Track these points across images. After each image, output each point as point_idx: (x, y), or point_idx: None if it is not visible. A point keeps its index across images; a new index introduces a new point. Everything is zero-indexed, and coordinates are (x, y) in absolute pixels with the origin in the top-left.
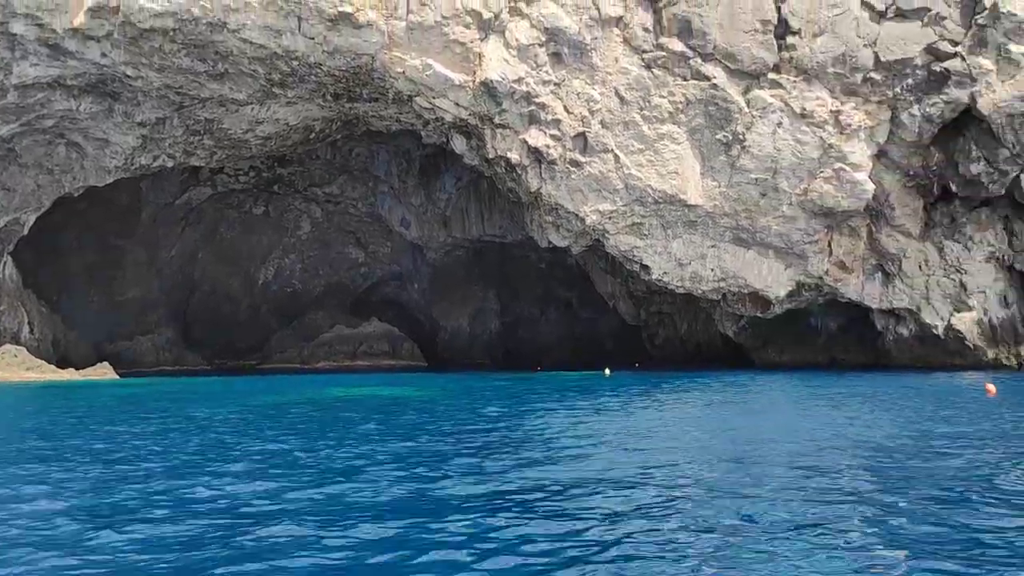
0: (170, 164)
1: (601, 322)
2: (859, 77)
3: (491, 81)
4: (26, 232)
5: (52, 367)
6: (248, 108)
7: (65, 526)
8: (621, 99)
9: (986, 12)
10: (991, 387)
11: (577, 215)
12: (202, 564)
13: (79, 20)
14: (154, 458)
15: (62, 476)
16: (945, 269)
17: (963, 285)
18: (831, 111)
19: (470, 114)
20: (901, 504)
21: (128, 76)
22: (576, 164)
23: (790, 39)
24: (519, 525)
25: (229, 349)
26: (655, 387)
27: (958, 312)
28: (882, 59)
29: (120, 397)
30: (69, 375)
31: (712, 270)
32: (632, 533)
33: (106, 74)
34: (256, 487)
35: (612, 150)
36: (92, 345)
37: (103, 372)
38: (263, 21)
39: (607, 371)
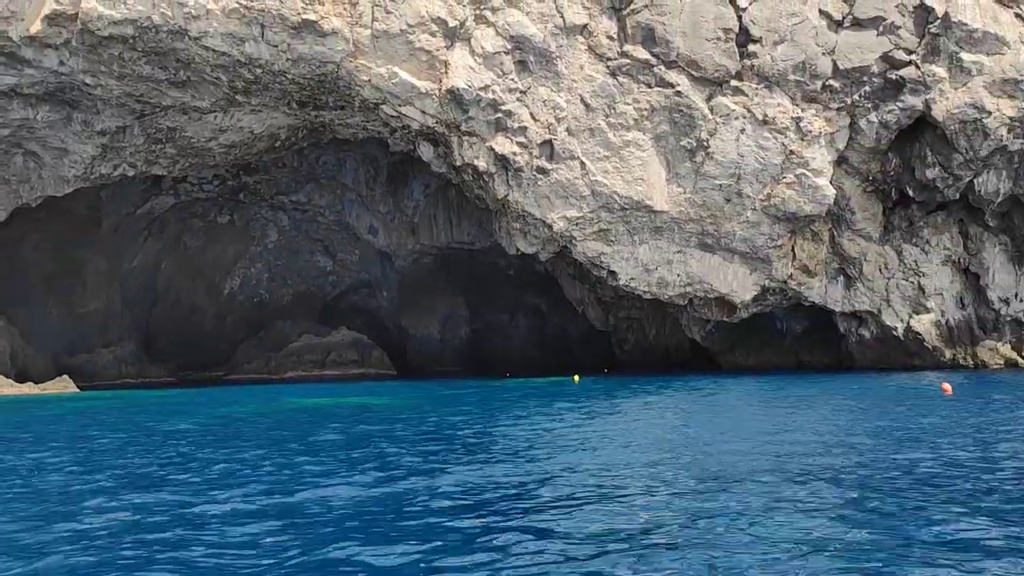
0: (131, 173)
1: (571, 328)
2: (819, 84)
3: (457, 89)
4: None
5: (10, 381)
6: (211, 116)
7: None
8: (587, 106)
9: (938, 21)
10: (947, 386)
11: (544, 222)
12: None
13: (36, 28)
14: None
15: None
16: (904, 272)
17: (921, 288)
18: (792, 118)
19: (437, 122)
20: (856, 494)
21: (87, 84)
22: (543, 171)
23: (751, 47)
24: (488, 530)
25: (194, 361)
26: (618, 392)
27: (917, 314)
28: (840, 67)
29: (78, 411)
30: (28, 389)
31: (678, 275)
32: (581, 532)
33: (64, 82)
34: (200, 498)
35: (578, 157)
36: (51, 358)
37: (63, 386)
38: (225, 28)
39: (576, 377)
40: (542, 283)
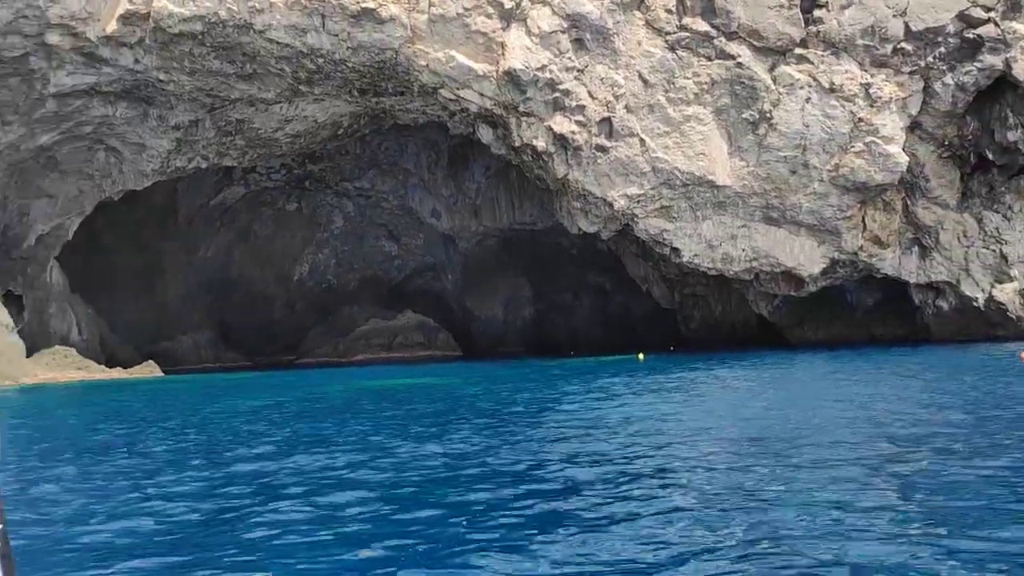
0: (204, 165)
1: (635, 306)
2: (889, 48)
3: (514, 70)
4: (71, 237)
5: (101, 367)
6: (277, 107)
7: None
8: (645, 82)
9: None
10: None
11: (605, 200)
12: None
13: (111, 27)
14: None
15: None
16: (984, 240)
17: (1003, 256)
18: (861, 84)
19: (495, 104)
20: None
21: (160, 80)
22: (602, 149)
23: (817, 12)
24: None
25: (267, 346)
26: (688, 368)
27: (999, 283)
28: (913, 29)
29: (170, 392)
30: (117, 374)
31: (743, 250)
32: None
33: (139, 79)
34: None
35: (638, 134)
36: (136, 345)
37: (149, 371)
38: (288, 20)
39: (640, 355)
40: (605, 262)
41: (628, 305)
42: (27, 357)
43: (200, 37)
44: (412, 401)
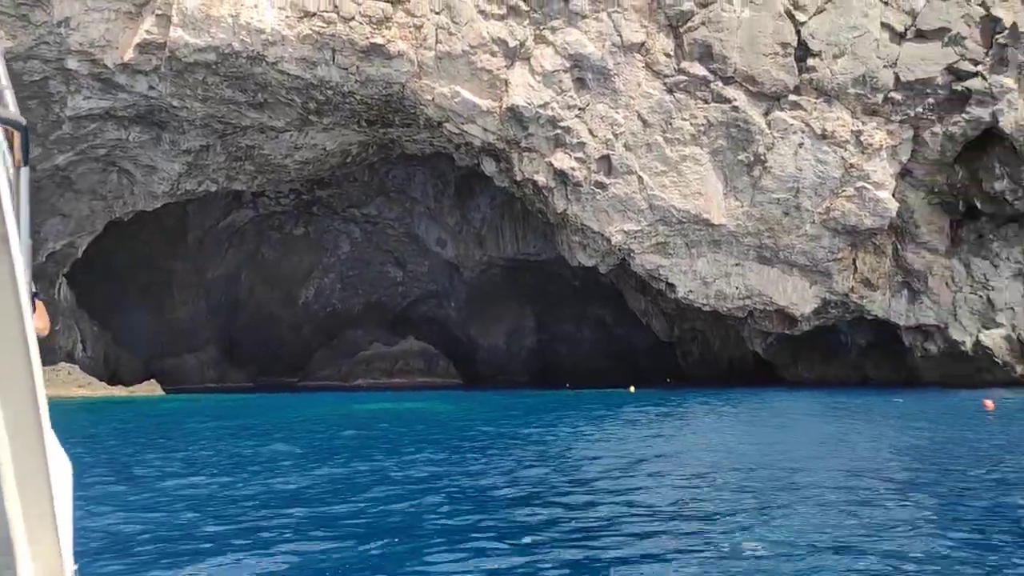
0: (214, 189)
1: (636, 339)
2: (880, 97)
3: (517, 106)
4: (80, 255)
5: (103, 384)
6: (287, 135)
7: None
8: (644, 122)
9: (1006, 32)
10: (989, 402)
11: (603, 235)
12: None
13: (128, 55)
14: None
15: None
16: (972, 285)
17: (990, 302)
18: (852, 131)
19: (497, 138)
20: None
21: (174, 107)
22: (601, 186)
23: (810, 61)
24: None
25: (271, 367)
26: (670, 403)
27: (986, 328)
28: (903, 79)
29: (162, 413)
30: (118, 391)
31: (737, 288)
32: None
33: (153, 105)
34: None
35: (636, 172)
36: (142, 362)
37: (150, 388)
38: (299, 53)
39: (632, 388)
40: (607, 294)
41: (630, 338)
42: None
43: (214, 67)
44: (375, 425)
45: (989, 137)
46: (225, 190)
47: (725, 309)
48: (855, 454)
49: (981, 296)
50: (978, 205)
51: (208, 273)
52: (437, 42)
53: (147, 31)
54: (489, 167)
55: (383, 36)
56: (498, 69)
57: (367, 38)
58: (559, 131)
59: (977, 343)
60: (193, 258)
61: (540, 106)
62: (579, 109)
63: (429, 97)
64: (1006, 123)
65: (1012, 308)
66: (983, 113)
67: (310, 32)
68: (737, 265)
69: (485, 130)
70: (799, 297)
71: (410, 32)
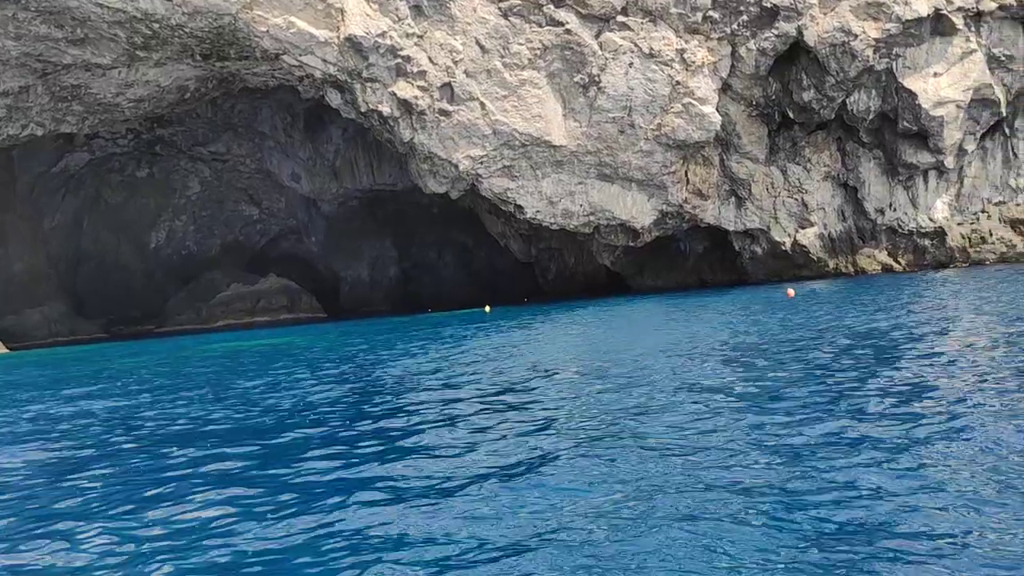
0: (40, 132)
1: (498, 261)
2: (699, 16)
3: (355, 36)
4: None
5: None
6: (115, 72)
7: None
8: (482, 48)
9: None
10: (791, 291)
11: (450, 162)
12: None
13: None
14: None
15: None
16: (789, 190)
17: (805, 204)
18: (677, 49)
19: (338, 70)
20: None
21: None
22: (445, 113)
23: None
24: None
25: (126, 316)
26: (521, 318)
27: (802, 228)
28: None
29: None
30: None
31: (581, 205)
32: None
33: None
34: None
35: (478, 98)
36: None
37: None
38: None
39: (487, 308)
40: (467, 220)
41: (492, 260)
42: None
43: (24, 1)
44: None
45: (796, 50)
46: (53, 133)
47: (572, 226)
48: (672, 338)
49: (797, 199)
50: (791, 115)
51: (44, 223)
52: None
53: None
54: (334, 99)
55: None
56: None
57: None
58: (399, 60)
59: (795, 242)
60: (25, 208)
61: (379, 35)
62: (418, 37)
63: (263, 29)
64: (810, 37)
65: (823, 208)
66: (790, 28)
67: None
68: (580, 184)
69: (325, 61)
70: (639, 211)
71: None
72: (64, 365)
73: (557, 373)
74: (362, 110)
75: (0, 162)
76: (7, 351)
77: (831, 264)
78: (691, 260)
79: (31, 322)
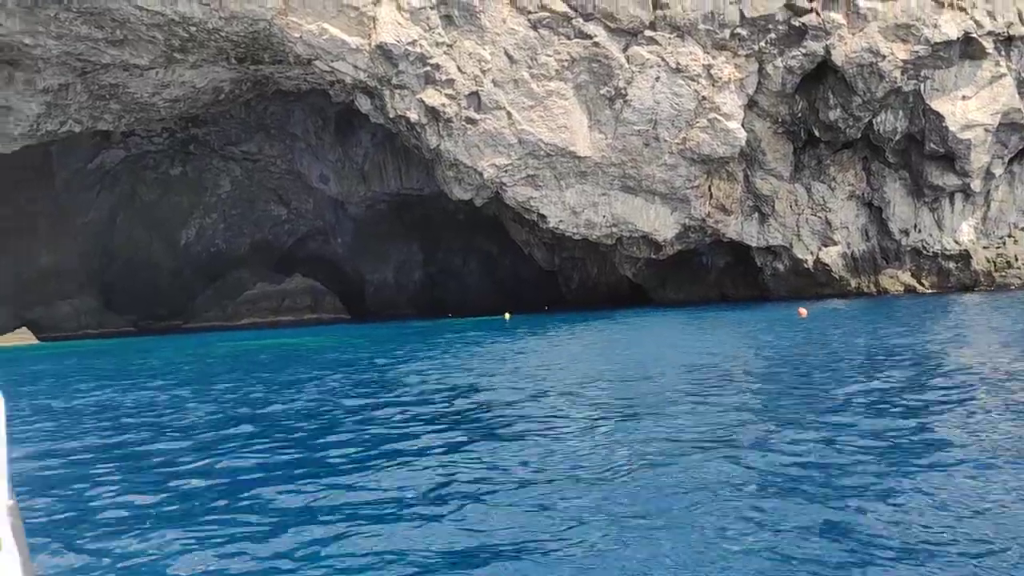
0: (78, 129)
1: (522, 269)
2: (727, 33)
3: (386, 44)
4: None
5: None
6: (152, 72)
7: None
8: (510, 58)
9: None
10: (803, 311)
11: (475, 169)
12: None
13: None
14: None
15: None
16: (813, 208)
17: (828, 222)
18: (704, 65)
19: (368, 76)
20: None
21: (26, 44)
22: (471, 121)
23: None
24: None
25: (154, 311)
26: (541, 328)
27: (825, 247)
28: (747, 15)
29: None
30: None
31: (604, 216)
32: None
33: (3, 42)
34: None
35: (504, 107)
36: (12, 312)
37: (21, 338)
38: None
39: (507, 315)
40: (492, 227)
41: (516, 269)
42: None
43: (66, 2)
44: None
45: (824, 69)
46: (91, 130)
47: (594, 237)
48: (690, 352)
49: (820, 217)
50: (816, 133)
51: (78, 218)
52: None
53: None
54: (364, 104)
55: None
56: (365, 6)
57: None
58: (428, 68)
59: (817, 260)
60: (61, 202)
61: (409, 43)
62: (447, 46)
63: (296, 34)
64: (837, 56)
65: (847, 227)
66: (818, 47)
67: None
68: (604, 195)
69: (355, 67)
70: (661, 223)
71: None
72: (110, 355)
73: (552, 391)
74: (390, 116)
75: (38, 158)
76: (37, 341)
77: (853, 283)
78: (713, 274)
79: (60, 314)
